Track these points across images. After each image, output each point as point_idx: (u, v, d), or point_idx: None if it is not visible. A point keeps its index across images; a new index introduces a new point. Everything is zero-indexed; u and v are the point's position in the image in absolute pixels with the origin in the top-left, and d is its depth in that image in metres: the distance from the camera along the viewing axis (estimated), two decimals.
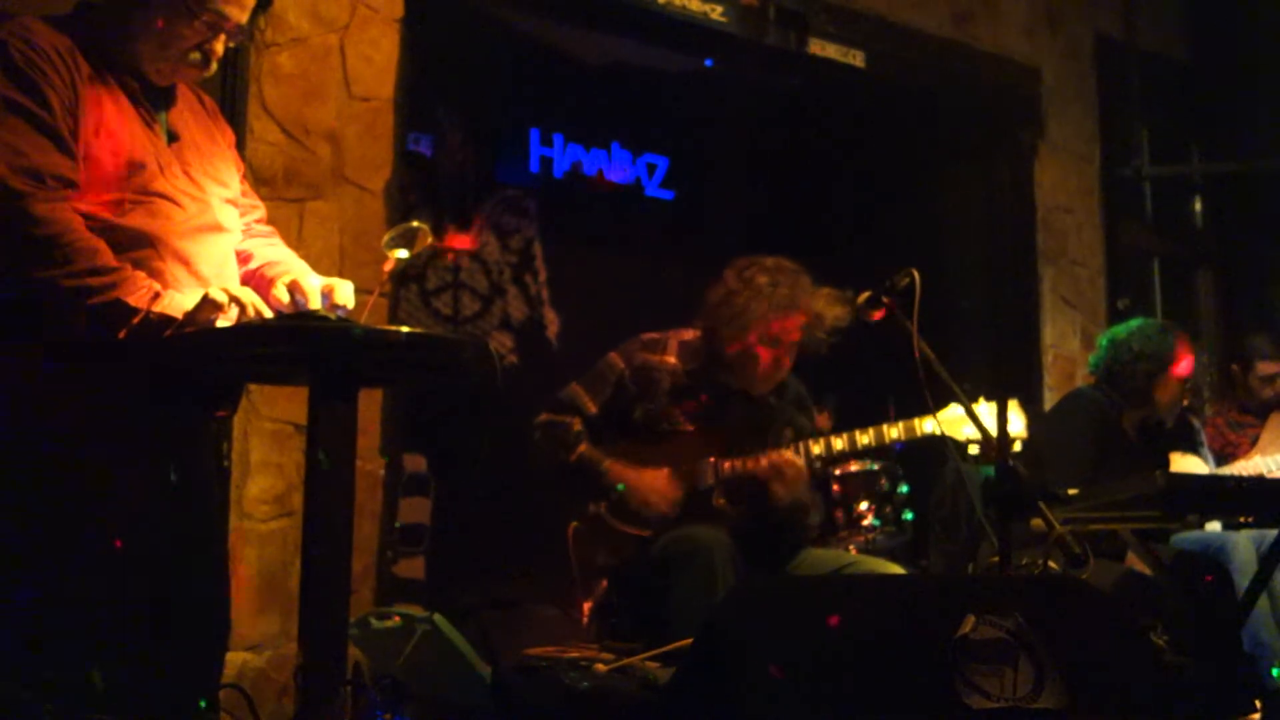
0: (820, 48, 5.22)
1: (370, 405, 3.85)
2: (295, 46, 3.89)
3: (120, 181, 2.34)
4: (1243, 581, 3.97)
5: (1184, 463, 4.63)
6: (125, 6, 2.40)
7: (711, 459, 3.52)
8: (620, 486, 3.48)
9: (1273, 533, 3.40)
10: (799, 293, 3.51)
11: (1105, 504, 3.21)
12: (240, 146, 2.88)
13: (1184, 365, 4.35)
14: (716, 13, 4.91)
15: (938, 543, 4.60)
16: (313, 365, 2.29)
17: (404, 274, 5.29)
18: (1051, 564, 2.90)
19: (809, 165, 6.39)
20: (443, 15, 4.39)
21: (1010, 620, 2.18)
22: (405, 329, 2.35)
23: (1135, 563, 4.08)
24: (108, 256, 2.25)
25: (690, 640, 2.42)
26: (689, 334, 3.65)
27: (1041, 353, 5.91)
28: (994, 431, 2.89)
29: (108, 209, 2.32)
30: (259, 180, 3.66)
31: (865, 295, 3.11)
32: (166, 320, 2.26)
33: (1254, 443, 4.82)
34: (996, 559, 2.71)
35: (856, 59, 5.32)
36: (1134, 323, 4.51)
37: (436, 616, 2.85)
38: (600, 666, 2.97)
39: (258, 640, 3.67)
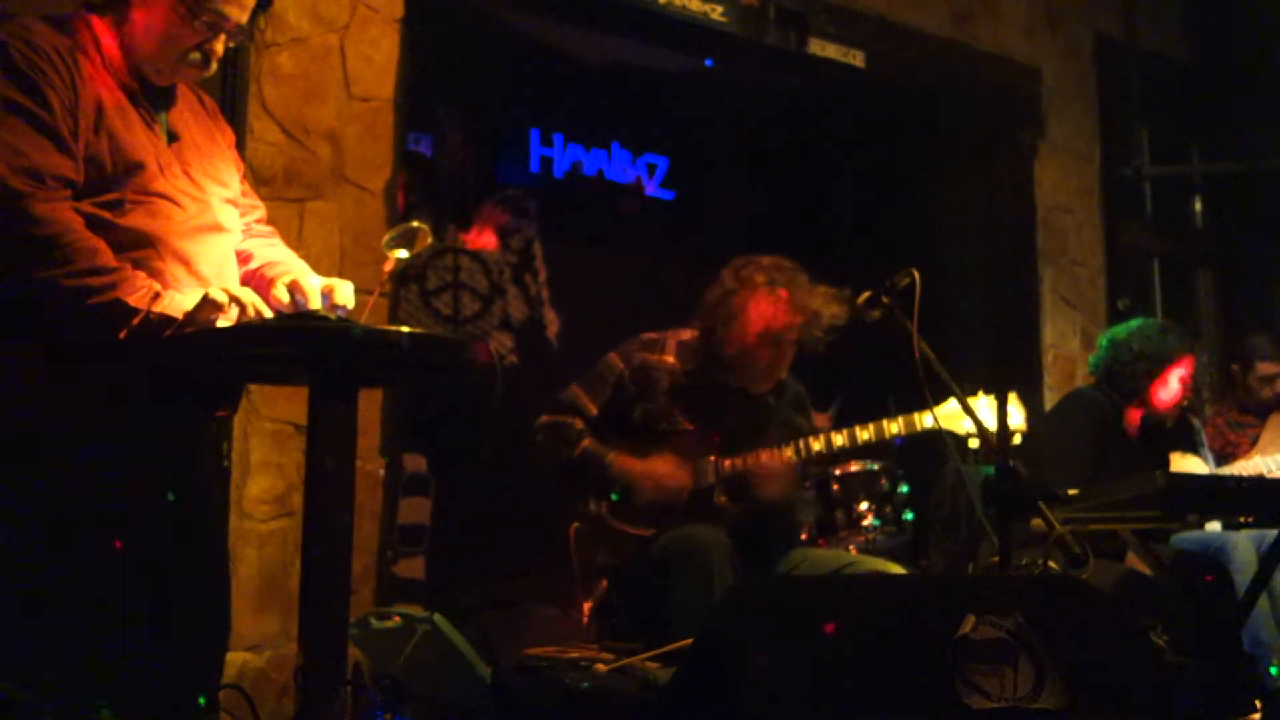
0: (820, 48, 5.22)
1: (370, 405, 3.85)
2: (295, 46, 3.89)
3: (120, 182, 2.34)
4: (1243, 581, 3.96)
5: (1184, 463, 4.63)
6: (125, 7, 2.40)
7: (712, 457, 3.52)
8: (617, 491, 3.48)
9: (1273, 533, 3.40)
10: (796, 291, 3.51)
11: (1105, 504, 3.21)
12: (240, 146, 2.88)
13: (1183, 365, 4.35)
14: (716, 13, 4.91)
15: (938, 543, 4.61)
16: (313, 365, 2.29)
17: (404, 274, 5.30)
18: (1051, 564, 2.90)
19: (809, 165, 6.39)
20: (443, 15, 4.40)
21: (1010, 620, 2.18)
22: (405, 329, 2.34)
23: (1135, 563, 4.08)
24: (108, 256, 2.25)
25: (690, 640, 2.42)
26: (687, 334, 3.66)
27: (1041, 353, 5.91)
28: (994, 427, 2.89)
29: (108, 209, 2.32)
30: (259, 180, 3.66)
31: (865, 295, 3.11)
32: (166, 320, 2.26)
33: (1254, 443, 4.82)
34: (996, 559, 2.71)
35: (856, 59, 5.32)
36: (1134, 323, 4.51)
37: (436, 616, 2.85)
38: (600, 666, 2.97)
39: (258, 640, 3.67)
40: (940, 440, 3.43)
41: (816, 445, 3.51)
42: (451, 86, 5.63)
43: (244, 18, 2.45)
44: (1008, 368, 5.85)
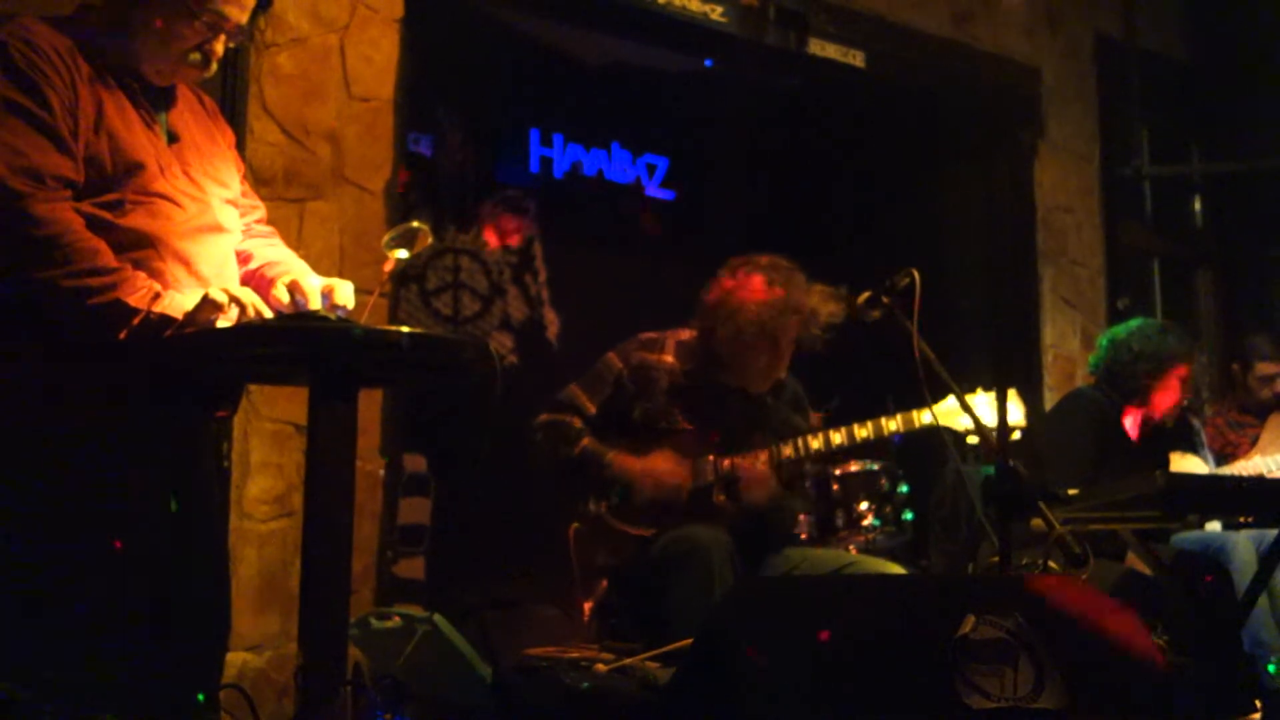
0: (820, 48, 5.22)
1: (370, 405, 3.85)
2: (295, 47, 3.89)
3: (120, 182, 2.34)
4: (1243, 581, 3.97)
5: (1184, 463, 4.63)
6: (125, 7, 2.40)
7: (711, 457, 3.52)
8: (617, 489, 3.48)
9: (1273, 533, 3.40)
10: (794, 290, 3.52)
11: (1105, 504, 3.21)
12: (240, 147, 2.88)
13: (1183, 366, 4.35)
14: (716, 13, 4.91)
15: (938, 543, 4.61)
16: (313, 365, 2.29)
17: (404, 274, 5.30)
18: (1051, 564, 2.90)
19: (809, 165, 6.39)
20: (443, 15, 4.39)
21: (1010, 620, 2.18)
22: (405, 329, 2.34)
23: (1135, 563, 4.08)
24: (108, 257, 2.25)
25: (690, 640, 2.42)
26: (686, 333, 3.66)
27: (1041, 353, 5.91)
28: (993, 424, 2.89)
29: (108, 209, 2.32)
30: (259, 180, 3.66)
31: (865, 295, 3.11)
32: (166, 320, 2.26)
33: (1254, 443, 4.82)
34: (996, 559, 2.71)
35: (856, 59, 5.32)
36: (1134, 323, 4.51)
37: (436, 616, 2.85)
38: (600, 666, 2.97)
39: (258, 640, 3.67)
40: (940, 440, 3.43)
41: (815, 444, 3.51)
42: (451, 86, 5.63)
43: (244, 18, 2.46)
44: (1008, 368, 5.85)
